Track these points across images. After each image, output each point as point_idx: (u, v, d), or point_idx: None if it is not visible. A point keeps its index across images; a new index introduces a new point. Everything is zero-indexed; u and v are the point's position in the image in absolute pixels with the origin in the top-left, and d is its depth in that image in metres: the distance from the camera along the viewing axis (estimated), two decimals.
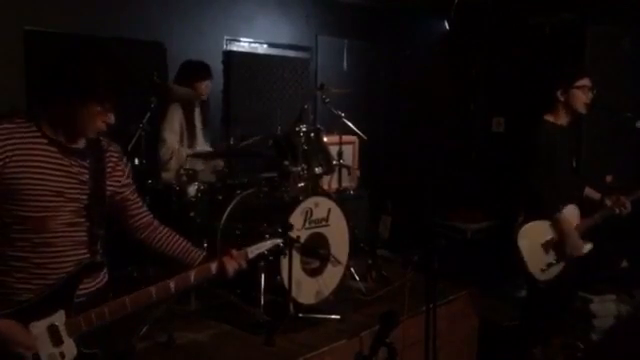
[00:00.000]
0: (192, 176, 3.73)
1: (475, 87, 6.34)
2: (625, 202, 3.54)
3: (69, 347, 1.84)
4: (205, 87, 4.11)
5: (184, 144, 4.00)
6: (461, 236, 5.33)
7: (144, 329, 3.07)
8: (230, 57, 5.40)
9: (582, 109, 3.46)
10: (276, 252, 2.75)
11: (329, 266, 3.59)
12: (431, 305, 2.68)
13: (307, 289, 3.45)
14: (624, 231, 4.12)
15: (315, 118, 5.76)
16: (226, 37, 5.38)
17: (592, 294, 4.35)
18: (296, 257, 3.32)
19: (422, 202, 6.01)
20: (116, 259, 2.16)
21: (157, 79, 3.89)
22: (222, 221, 3.60)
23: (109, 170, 1.99)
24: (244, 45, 5.54)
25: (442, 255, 2.68)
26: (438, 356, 2.72)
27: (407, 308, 3.09)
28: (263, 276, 3.38)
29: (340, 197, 4.23)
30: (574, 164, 3.59)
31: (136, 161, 3.74)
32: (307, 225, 3.47)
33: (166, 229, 2.14)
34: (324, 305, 3.53)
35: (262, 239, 2.24)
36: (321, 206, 3.56)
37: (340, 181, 4.47)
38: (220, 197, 3.82)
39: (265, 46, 5.71)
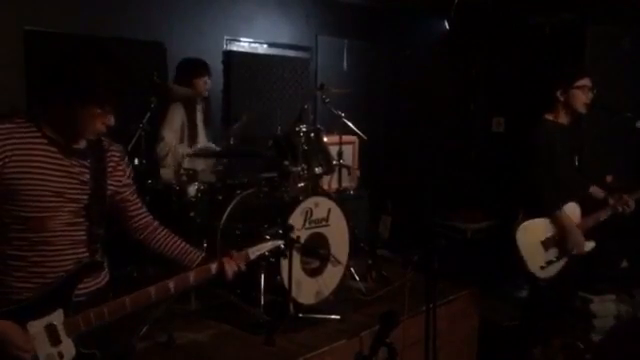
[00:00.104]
0: (192, 176, 3.73)
1: (475, 87, 6.34)
2: (628, 200, 3.54)
3: (67, 347, 1.83)
4: (204, 84, 4.11)
5: (184, 143, 4.00)
6: (461, 236, 5.34)
7: (144, 329, 3.07)
8: (230, 57, 5.40)
9: (582, 109, 3.47)
10: (277, 253, 2.76)
11: (329, 266, 3.59)
12: (431, 305, 2.67)
13: (307, 289, 3.45)
14: (624, 231, 4.12)
15: (315, 118, 5.77)
16: (226, 37, 5.38)
17: (592, 294, 4.35)
18: (296, 257, 3.32)
19: (422, 202, 6.02)
20: (116, 259, 2.16)
21: (157, 79, 3.90)
22: (222, 221, 3.60)
23: (110, 170, 1.99)
24: (244, 45, 5.54)
25: (442, 255, 2.68)
26: (438, 356, 2.72)
27: (407, 308, 3.09)
28: (263, 276, 3.38)
29: (340, 197, 4.22)
30: (577, 163, 3.58)
31: (136, 161, 3.75)
32: (307, 225, 3.47)
33: (165, 230, 2.14)
34: (324, 305, 3.52)
35: (263, 240, 2.24)
36: (321, 206, 3.56)
37: (340, 181, 4.47)
38: (220, 197, 3.82)
39: (265, 46, 5.71)
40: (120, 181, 2.03)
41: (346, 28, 6.38)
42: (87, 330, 1.85)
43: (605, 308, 4.35)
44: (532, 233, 3.42)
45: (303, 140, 3.71)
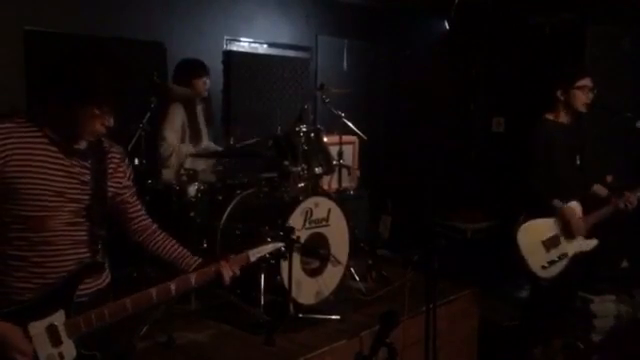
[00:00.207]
0: (192, 176, 3.73)
1: (475, 87, 6.34)
2: (630, 196, 3.54)
3: (68, 348, 1.83)
4: (203, 84, 4.11)
5: (186, 142, 4.00)
6: (461, 236, 5.34)
7: (144, 329, 3.07)
8: (230, 57, 5.40)
9: (582, 109, 3.47)
10: (277, 255, 2.76)
11: (329, 266, 3.59)
12: (431, 305, 2.67)
13: (307, 289, 3.45)
14: (624, 231, 4.12)
15: (315, 118, 5.77)
16: (226, 37, 5.38)
17: (592, 294, 4.35)
18: (296, 257, 3.32)
19: (422, 202, 6.02)
20: (116, 260, 2.16)
21: (157, 79, 3.89)
22: (222, 221, 3.60)
23: (110, 171, 1.99)
24: (244, 45, 5.54)
25: (442, 255, 2.68)
26: (438, 356, 2.72)
27: (407, 308, 3.09)
28: (263, 276, 3.38)
29: (340, 197, 4.23)
30: (578, 162, 3.58)
31: (136, 161, 3.74)
32: (307, 225, 3.47)
33: (163, 234, 2.14)
34: (324, 305, 3.52)
35: (264, 242, 2.24)
36: (321, 206, 3.56)
37: (340, 181, 4.47)
38: (220, 197, 3.82)
39: (265, 46, 5.71)
40: (120, 183, 2.03)
41: (346, 28, 6.38)
42: (88, 331, 1.85)
43: (605, 308, 4.35)
44: (533, 233, 3.43)
45: (303, 140, 3.71)
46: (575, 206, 3.49)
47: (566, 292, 3.72)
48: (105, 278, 2.01)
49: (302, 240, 3.38)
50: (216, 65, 5.17)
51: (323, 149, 3.92)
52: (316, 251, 3.51)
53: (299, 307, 3.34)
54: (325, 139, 3.98)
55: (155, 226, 2.14)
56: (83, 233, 1.91)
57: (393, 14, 6.57)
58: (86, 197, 1.90)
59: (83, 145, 1.91)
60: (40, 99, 1.92)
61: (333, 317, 3.42)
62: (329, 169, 4.00)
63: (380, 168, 6.38)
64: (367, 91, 6.48)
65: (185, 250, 2.13)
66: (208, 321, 3.37)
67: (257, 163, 4.39)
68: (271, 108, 5.51)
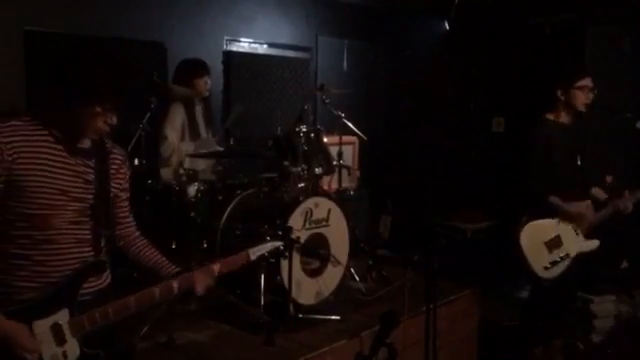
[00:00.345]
0: (192, 176, 3.73)
1: (475, 87, 6.34)
2: (628, 203, 3.54)
3: (72, 347, 1.83)
4: (204, 84, 4.11)
5: (186, 141, 4.00)
6: (461, 236, 5.34)
7: (144, 329, 3.07)
8: (230, 57, 5.40)
9: (582, 109, 3.47)
10: (276, 254, 2.77)
11: (329, 266, 3.59)
12: (431, 305, 2.68)
13: (307, 289, 3.45)
14: (624, 232, 4.12)
15: (315, 118, 5.76)
16: (226, 37, 5.38)
17: (592, 294, 4.35)
18: (296, 257, 3.32)
19: (422, 202, 6.01)
20: (116, 260, 2.16)
21: (157, 79, 3.90)
22: (222, 221, 3.60)
23: (113, 172, 2.00)
24: (244, 45, 5.54)
25: (442, 255, 2.68)
26: (438, 356, 2.72)
27: (407, 308, 3.09)
28: (263, 276, 3.38)
29: (340, 197, 4.23)
30: (579, 162, 3.58)
31: (136, 161, 3.75)
32: (307, 225, 3.47)
33: (145, 241, 2.14)
34: (324, 305, 3.52)
35: (263, 241, 2.25)
36: (321, 206, 3.55)
37: (340, 181, 4.47)
38: (220, 197, 3.82)
39: (265, 46, 5.71)
40: (120, 184, 2.04)
41: (346, 28, 6.38)
42: (92, 330, 1.85)
43: (605, 309, 4.35)
44: (536, 234, 3.43)
45: (303, 140, 3.71)
46: (588, 207, 3.50)
47: (566, 292, 3.72)
48: (106, 278, 2.02)
49: (302, 240, 3.38)
50: (216, 65, 5.17)
51: (323, 149, 3.92)
52: (316, 251, 3.51)
53: (299, 307, 3.34)
54: (325, 139, 3.98)
55: (138, 233, 2.14)
56: (87, 232, 1.92)
57: (393, 14, 6.57)
58: (90, 196, 1.90)
59: (87, 144, 1.92)
60: (42, 99, 1.92)
61: (333, 317, 3.41)
62: (329, 169, 4.00)
63: (380, 168, 6.37)
64: (367, 91, 6.48)
65: (165, 259, 2.12)
66: (208, 321, 3.37)
67: (257, 163, 4.39)
68: (271, 108, 5.50)
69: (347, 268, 3.76)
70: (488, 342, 4.07)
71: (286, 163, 3.70)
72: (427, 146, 6.38)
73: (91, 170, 1.91)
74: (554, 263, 3.44)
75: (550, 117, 3.51)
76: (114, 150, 2.03)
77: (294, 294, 3.27)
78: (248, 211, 3.69)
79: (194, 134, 4.04)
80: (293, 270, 3.21)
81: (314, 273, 3.53)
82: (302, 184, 3.72)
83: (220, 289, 3.53)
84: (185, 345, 3.09)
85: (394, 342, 2.15)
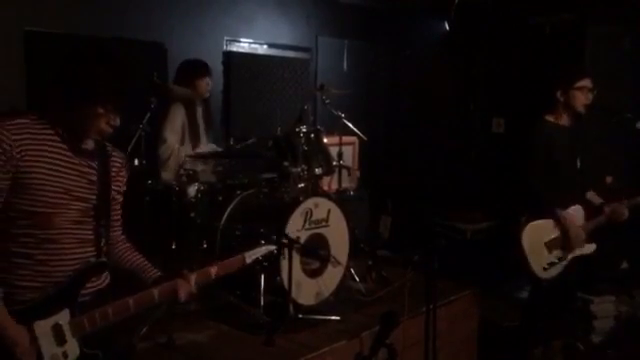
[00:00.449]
0: (192, 176, 3.73)
1: (475, 87, 6.34)
2: (622, 211, 3.53)
3: (72, 347, 1.83)
4: (205, 85, 4.10)
5: (186, 144, 4.00)
6: (461, 236, 5.33)
7: (144, 329, 3.07)
8: (230, 58, 5.40)
9: (582, 109, 3.47)
10: (270, 258, 2.79)
11: (329, 267, 3.59)
12: (431, 305, 2.68)
13: (307, 290, 3.45)
14: (624, 232, 4.12)
15: (315, 119, 5.76)
16: (226, 38, 5.38)
17: (592, 295, 4.35)
18: (296, 258, 3.32)
19: (422, 202, 6.01)
20: None
21: (157, 79, 3.90)
22: (222, 222, 3.60)
23: (113, 174, 2.01)
24: (244, 46, 5.54)
25: (442, 255, 2.68)
26: (438, 356, 2.72)
27: (407, 308, 3.09)
28: (263, 277, 3.38)
29: (340, 198, 4.22)
30: (579, 164, 3.58)
31: (136, 162, 3.75)
32: (307, 226, 3.47)
33: (128, 244, 2.13)
34: (324, 306, 3.52)
35: (257, 245, 2.28)
36: (321, 207, 3.55)
37: (340, 182, 4.47)
38: (220, 198, 3.82)
39: (265, 47, 5.71)
40: (119, 187, 2.05)
41: (346, 28, 6.38)
42: (92, 330, 1.85)
43: (605, 309, 4.35)
44: (536, 234, 3.43)
45: (303, 141, 3.71)
46: (577, 210, 3.50)
47: (566, 293, 3.72)
48: (105, 279, 2.01)
49: (302, 241, 3.38)
50: (216, 66, 5.17)
51: (323, 150, 3.92)
52: (316, 252, 3.51)
53: (299, 308, 3.34)
54: (325, 140, 3.98)
55: (124, 237, 2.13)
56: (89, 232, 1.92)
57: (393, 14, 6.57)
58: (93, 197, 1.91)
59: (90, 145, 1.93)
60: (44, 99, 1.92)
61: (333, 318, 3.41)
62: (329, 170, 4.00)
63: (380, 168, 6.37)
64: (367, 91, 6.48)
65: (148, 263, 2.11)
66: (208, 321, 3.37)
67: (257, 164, 4.39)
68: (271, 109, 5.51)
69: (347, 268, 3.76)
70: (488, 342, 4.07)
71: (286, 163, 3.70)
72: (427, 146, 6.38)
73: (94, 171, 1.92)
74: (551, 264, 3.44)
75: (550, 119, 3.51)
76: (114, 153, 2.04)
77: (294, 294, 3.27)
78: (248, 211, 3.69)
79: (194, 137, 4.03)
80: (293, 270, 3.21)
81: (314, 273, 3.53)
82: (302, 184, 3.72)
83: (220, 290, 3.55)
84: (185, 345, 3.09)
85: (394, 342, 2.15)
